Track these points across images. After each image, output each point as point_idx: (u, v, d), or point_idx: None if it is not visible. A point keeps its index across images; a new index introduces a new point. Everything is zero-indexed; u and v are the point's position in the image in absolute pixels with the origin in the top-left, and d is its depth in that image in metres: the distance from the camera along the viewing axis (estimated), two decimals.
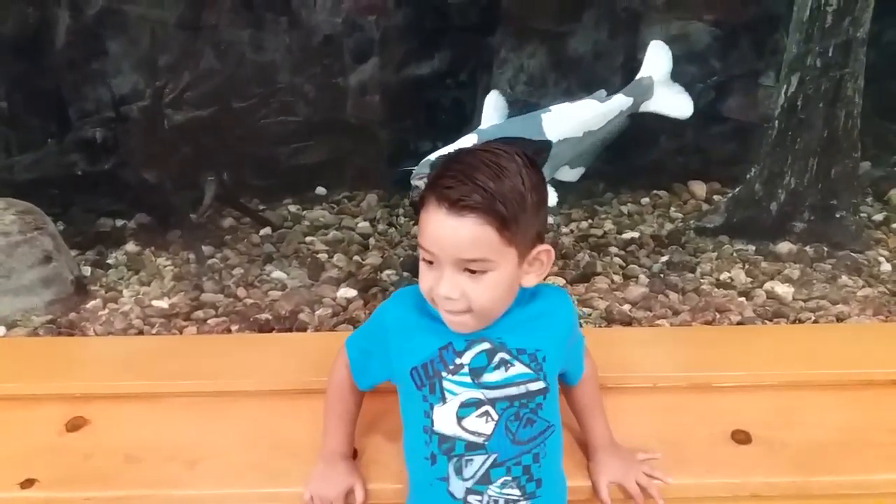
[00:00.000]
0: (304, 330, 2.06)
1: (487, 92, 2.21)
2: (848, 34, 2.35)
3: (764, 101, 2.77)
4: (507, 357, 1.23)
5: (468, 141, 2.16)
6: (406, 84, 2.84)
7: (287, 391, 1.67)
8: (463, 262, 1.13)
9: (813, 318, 2.17)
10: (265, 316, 2.10)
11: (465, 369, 1.23)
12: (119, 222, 2.64)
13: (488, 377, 1.23)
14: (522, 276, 1.21)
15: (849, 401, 1.73)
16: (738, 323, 2.14)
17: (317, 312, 2.16)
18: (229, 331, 2.05)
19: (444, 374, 1.23)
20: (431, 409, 1.24)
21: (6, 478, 1.47)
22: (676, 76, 2.34)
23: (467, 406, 1.23)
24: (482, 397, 1.23)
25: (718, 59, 2.80)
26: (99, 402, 1.64)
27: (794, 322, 2.16)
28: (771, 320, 2.16)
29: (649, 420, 1.67)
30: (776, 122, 2.51)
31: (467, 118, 2.78)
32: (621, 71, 2.82)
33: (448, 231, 1.11)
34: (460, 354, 1.23)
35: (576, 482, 1.46)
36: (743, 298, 2.26)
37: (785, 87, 2.47)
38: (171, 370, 1.73)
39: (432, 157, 1.94)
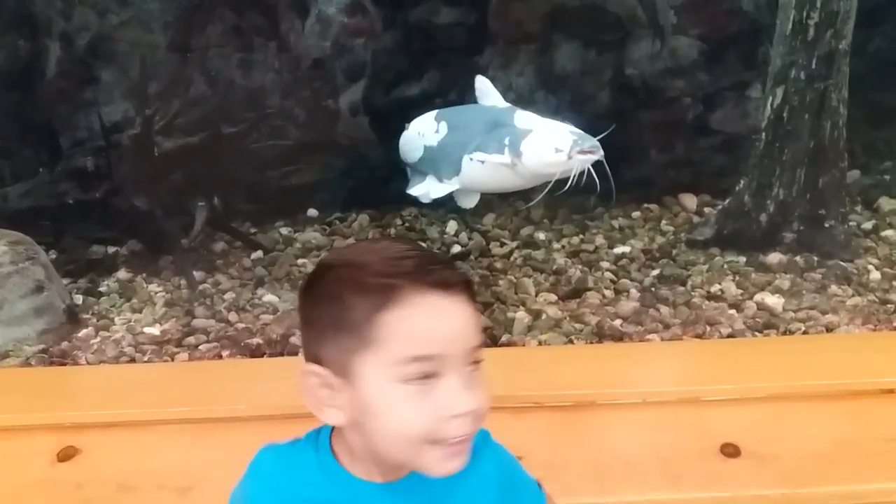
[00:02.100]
0: (296, 353, 2.07)
1: None
2: (831, 46, 2.37)
3: (752, 113, 2.79)
4: None
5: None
6: (396, 104, 2.87)
7: (278, 416, 1.66)
8: (471, 353, 0.91)
9: (803, 328, 2.17)
10: (256, 340, 2.11)
11: None
12: (111, 249, 2.65)
13: None
14: None
15: (838, 411, 1.74)
16: (729, 335, 2.14)
17: None
18: (220, 356, 2.05)
19: None
20: None
21: None
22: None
23: None
24: None
25: (705, 73, 2.82)
26: (90, 431, 1.65)
27: (784, 333, 2.16)
28: (761, 332, 2.17)
29: (639, 436, 1.68)
30: (763, 133, 2.52)
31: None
32: (609, 87, 2.86)
33: (456, 318, 0.90)
34: None
35: None
36: (734, 311, 2.26)
37: (771, 99, 2.49)
38: (163, 397, 1.74)
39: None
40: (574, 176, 1.89)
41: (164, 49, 2.58)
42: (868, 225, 2.69)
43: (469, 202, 2.28)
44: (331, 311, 0.91)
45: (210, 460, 1.59)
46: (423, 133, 2.28)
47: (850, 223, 2.66)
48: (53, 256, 2.59)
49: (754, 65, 2.74)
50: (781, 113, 2.47)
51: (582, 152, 1.85)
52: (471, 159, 2.07)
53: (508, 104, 2.15)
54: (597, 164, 1.93)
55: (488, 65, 2.82)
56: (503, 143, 1.97)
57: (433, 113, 2.28)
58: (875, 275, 2.42)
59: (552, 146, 1.88)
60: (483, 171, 2.05)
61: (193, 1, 2.56)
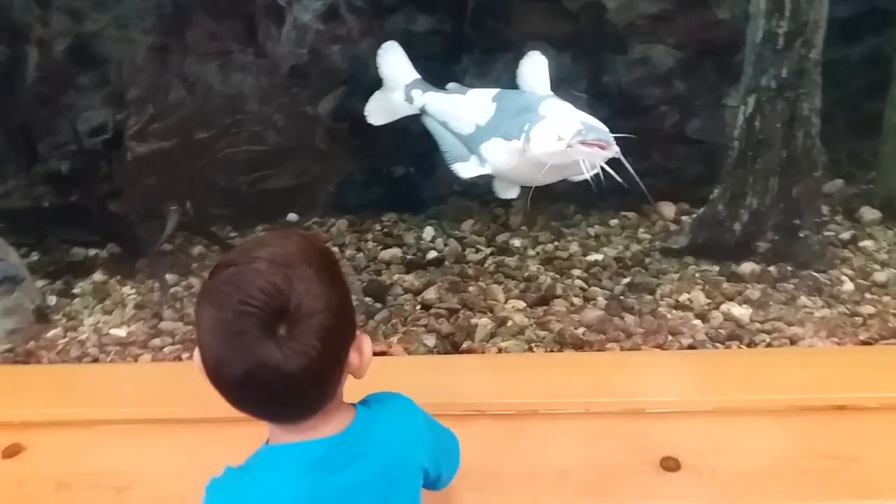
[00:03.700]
0: None
1: None
2: (801, 55, 2.34)
3: (730, 122, 2.76)
4: None
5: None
6: None
7: (219, 419, 1.68)
8: None
9: (767, 339, 2.15)
10: None
11: None
12: (91, 252, 2.70)
13: None
14: None
15: (785, 427, 1.72)
16: (689, 346, 2.13)
17: None
18: (180, 358, 2.09)
19: None
20: None
21: None
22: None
23: None
24: None
25: (682, 82, 2.80)
26: (37, 429, 1.69)
27: (748, 344, 2.14)
28: (724, 343, 2.15)
29: (578, 446, 1.67)
30: (736, 142, 2.50)
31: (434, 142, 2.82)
32: (586, 95, 2.85)
33: None
34: None
35: None
36: (698, 321, 2.25)
37: (743, 108, 2.47)
38: (111, 398, 1.78)
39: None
40: (586, 169, 1.74)
41: (143, 55, 2.63)
42: (846, 235, 2.65)
43: (506, 192, 2.13)
44: None
45: (148, 461, 1.63)
46: (478, 110, 2.11)
47: (828, 233, 2.63)
48: (36, 258, 2.66)
49: (732, 73, 2.71)
50: (753, 122, 2.44)
51: (584, 143, 1.71)
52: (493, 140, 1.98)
53: (549, 92, 2.01)
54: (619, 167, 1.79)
55: (465, 73, 2.82)
56: (523, 128, 1.86)
57: (493, 91, 2.12)
58: (848, 286, 2.38)
59: (556, 133, 1.75)
60: (501, 155, 1.96)
61: (171, 8, 2.60)
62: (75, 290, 2.48)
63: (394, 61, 2.25)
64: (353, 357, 1.06)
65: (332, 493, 1.04)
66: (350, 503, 1.06)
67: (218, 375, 0.99)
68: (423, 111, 2.24)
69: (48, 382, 1.89)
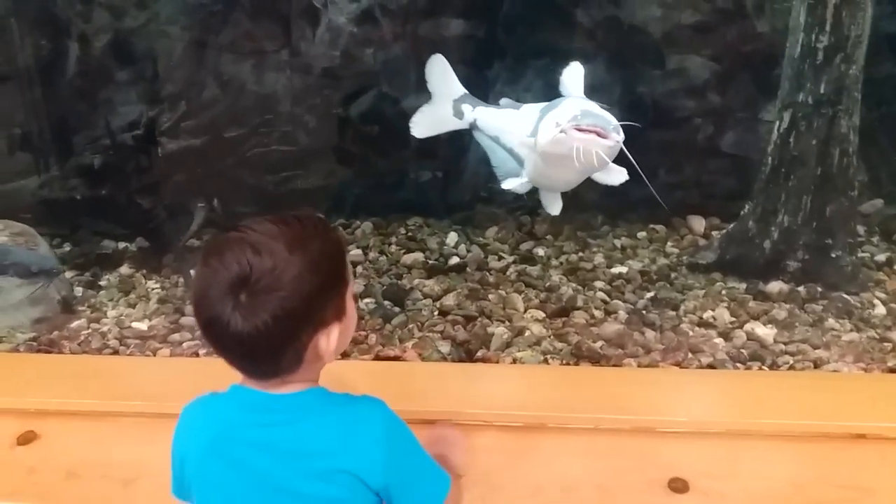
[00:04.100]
0: None
1: None
2: (840, 71, 2.27)
3: (765, 137, 2.70)
4: None
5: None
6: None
7: None
8: None
9: (791, 361, 2.09)
10: None
11: None
12: (121, 245, 2.76)
13: None
14: None
15: (802, 453, 1.66)
16: (709, 365, 2.08)
17: None
18: (197, 354, 2.11)
19: None
20: None
21: None
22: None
23: None
24: None
25: (718, 94, 2.75)
26: (52, 418, 1.72)
27: (771, 366, 2.09)
28: (745, 363, 2.10)
29: (584, 462, 1.64)
30: (769, 158, 2.45)
31: (465, 147, 2.81)
32: (618, 105, 2.81)
33: None
34: None
35: None
36: (720, 339, 2.20)
37: (778, 123, 2.41)
38: (125, 390, 1.80)
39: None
40: (577, 157, 1.64)
41: (179, 52, 2.68)
42: (882, 257, 2.56)
43: (552, 207, 2.07)
44: None
45: (156, 455, 1.64)
46: (527, 123, 2.00)
47: (863, 254, 2.55)
48: (67, 249, 2.73)
49: (769, 88, 2.64)
50: (788, 138, 2.38)
51: (579, 129, 1.62)
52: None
53: (580, 95, 1.93)
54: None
55: (496, 79, 2.81)
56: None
57: (541, 105, 2.01)
58: (880, 310, 2.31)
59: (555, 121, 1.70)
60: (523, 153, 1.93)
61: (208, 7, 2.64)
62: (102, 283, 2.54)
63: (441, 75, 2.17)
64: (321, 341, 1.12)
65: (246, 438, 1.14)
66: (257, 457, 1.13)
67: (195, 315, 1.13)
68: (472, 126, 2.17)
69: (66, 372, 1.93)
